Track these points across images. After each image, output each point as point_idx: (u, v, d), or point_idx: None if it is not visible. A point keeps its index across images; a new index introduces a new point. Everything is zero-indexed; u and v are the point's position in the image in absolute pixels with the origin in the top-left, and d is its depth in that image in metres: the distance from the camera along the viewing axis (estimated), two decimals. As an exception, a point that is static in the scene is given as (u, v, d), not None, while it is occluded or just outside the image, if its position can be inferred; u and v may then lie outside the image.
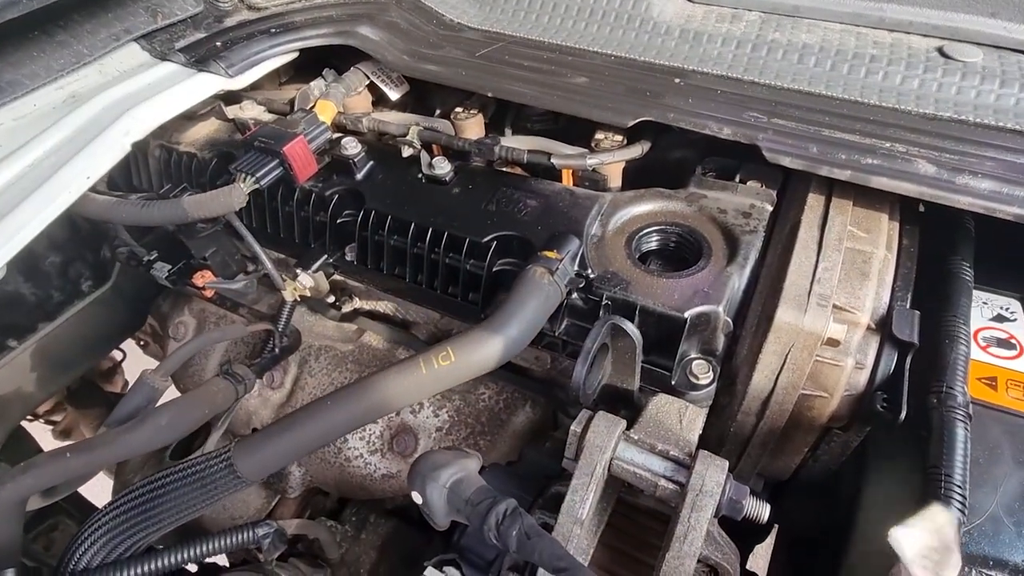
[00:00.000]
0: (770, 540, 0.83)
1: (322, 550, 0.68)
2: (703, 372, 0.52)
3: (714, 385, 0.53)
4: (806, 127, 0.53)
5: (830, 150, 0.51)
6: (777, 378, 0.49)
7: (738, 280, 0.52)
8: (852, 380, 0.49)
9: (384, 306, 0.77)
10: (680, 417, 0.48)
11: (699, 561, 0.46)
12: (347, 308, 0.80)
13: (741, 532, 0.66)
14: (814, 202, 0.56)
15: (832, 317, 0.47)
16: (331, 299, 0.80)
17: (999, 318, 0.54)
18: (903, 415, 0.46)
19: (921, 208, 0.56)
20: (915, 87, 0.56)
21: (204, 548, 0.52)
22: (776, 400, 0.50)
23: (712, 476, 0.41)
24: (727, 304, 0.51)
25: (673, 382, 0.53)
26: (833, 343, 0.47)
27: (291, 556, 0.69)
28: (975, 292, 0.57)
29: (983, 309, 0.55)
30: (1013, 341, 0.52)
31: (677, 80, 0.60)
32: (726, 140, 0.54)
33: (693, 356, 0.53)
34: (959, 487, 0.40)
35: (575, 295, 0.55)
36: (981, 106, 0.53)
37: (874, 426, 0.50)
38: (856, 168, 0.49)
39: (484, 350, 0.47)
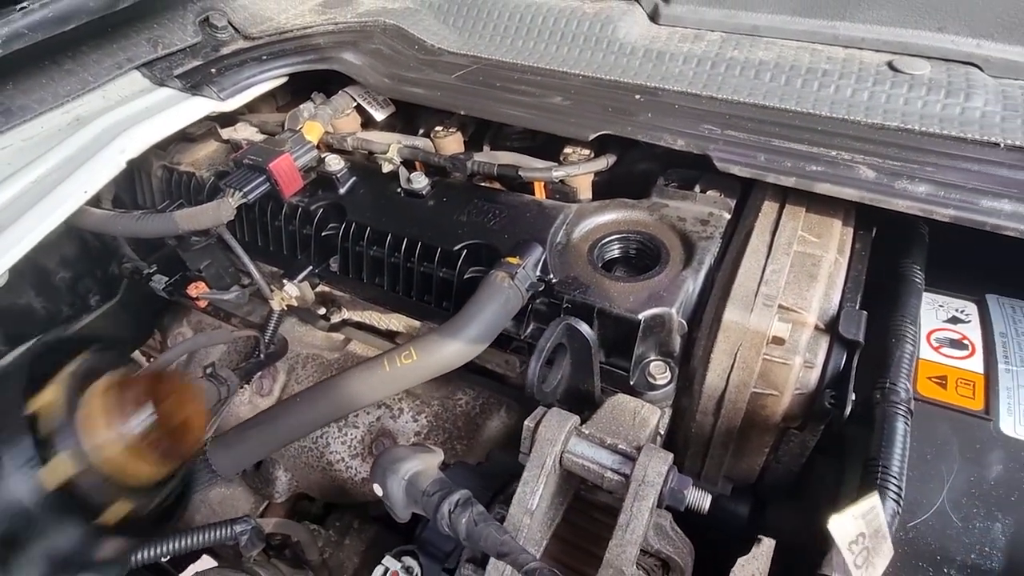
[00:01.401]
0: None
1: (303, 551, 0.69)
2: (660, 373, 0.54)
3: (672, 385, 0.54)
4: (756, 138, 0.56)
5: (777, 158, 0.53)
6: (729, 377, 0.51)
7: (693, 284, 0.54)
8: (802, 379, 0.51)
9: (370, 316, 0.80)
10: (635, 415, 0.50)
11: (651, 555, 0.47)
12: (335, 319, 0.83)
13: (723, 543, 0.67)
14: (768, 209, 0.58)
15: (777, 316, 0.49)
16: (321, 311, 0.83)
17: (953, 320, 0.55)
18: (847, 411, 0.47)
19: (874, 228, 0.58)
20: (865, 99, 0.58)
21: (182, 543, 0.54)
22: (729, 399, 0.52)
23: (654, 467, 0.42)
24: (681, 306, 0.53)
25: (632, 382, 0.54)
26: (779, 341, 0.48)
27: (273, 557, 0.71)
28: (932, 295, 0.58)
29: (938, 312, 0.56)
30: (965, 342, 0.53)
31: (638, 96, 0.63)
32: (686, 152, 0.57)
33: (652, 358, 0.55)
34: (895, 478, 0.41)
35: (539, 300, 0.58)
36: (927, 115, 0.56)
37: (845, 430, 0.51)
38: (800, 175, 0.52)
39: (444, 349, 0.50)
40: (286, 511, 0.84)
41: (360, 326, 0.81)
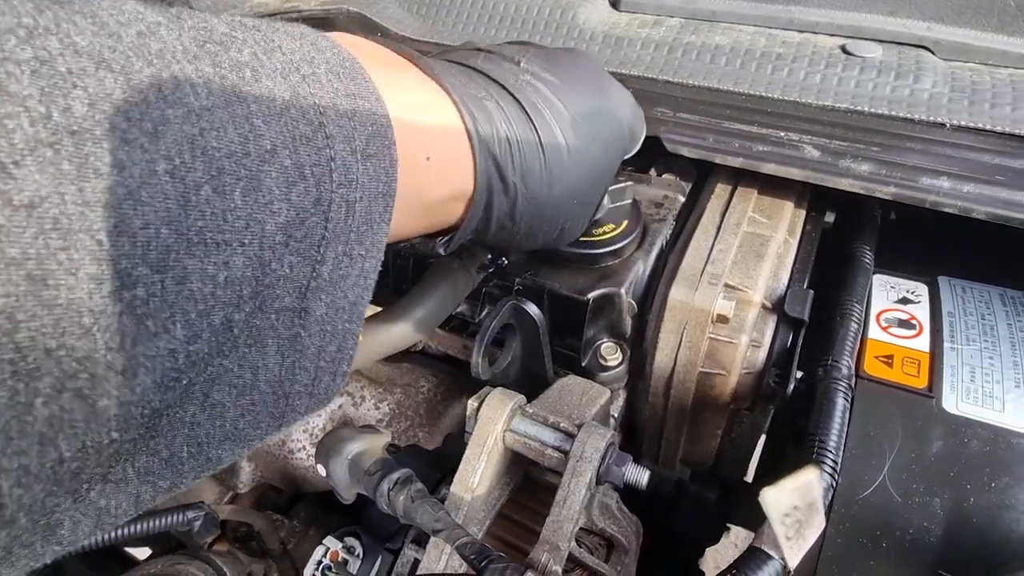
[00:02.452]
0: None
1: (263, 541, 0.69)
2: (612, 355, 0.54)
3: (623, 367, 0.54)
4: (708, 120, 0.56)
5: (726, 140, 0.53)
6: (676, 356, 0.51)
7: (643, 265, 0.54)
8: (750, 358, 0.51)
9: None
10: (583, 395, 0.50)
11: (595, 533, 0.47)
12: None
13: (696, 536, 0.67)
14: (721, 191, 0.58)
15: (723, 295, 0.49)
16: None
17: (904, 300, 0.56)
18: (790, 389, 0.47)
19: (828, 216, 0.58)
20: (817, 82, 0.58)
21: (131, 529, 0.54)
22: (678, 379, 0.52)
23: (592, 444, 0.42)
24: (631, 286, 0.53)
25: (584, 364, 0.54)
26: (723, 320, 0.48)
27: (236, 548, 0.71)
28: (885, 277, 0.59)
29: (890, 292, 0.57)
30: (914, 321, 0.53)
31: (594, 81, 0.63)
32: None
33: (604, 340, 0.55)
34: (831, 452, 0.41)
35: (493, 283, 0.57)
36: (877, 97, 0.56)
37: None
38: (748, 155, 0.52)
39: (391, 330, 0.50)
40: (252, 502, 0.83)
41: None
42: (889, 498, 0.44)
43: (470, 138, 0.33)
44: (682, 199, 0.60)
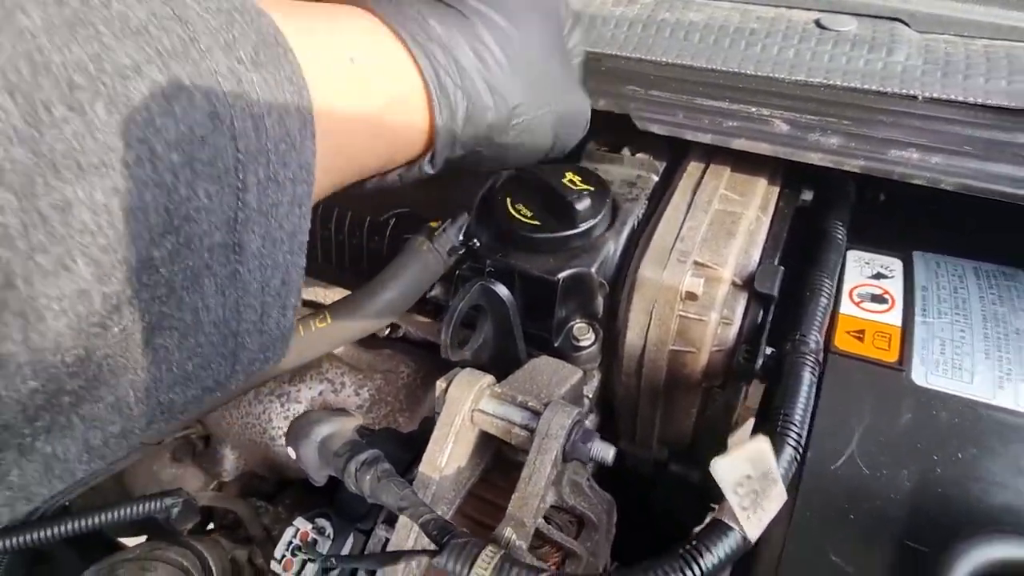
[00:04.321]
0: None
1: (245, 527, 0.69)
2: (584, 335, 0.54)
3: (596, 347, 0.54)
4: (679, 97, 0.55)
5: (697, 116, 0.53)
6: (647, 335, 0.51)
7: (614, 244, 0.54)
8: (720, 335, 0.51)
9: (315, 292, 0.80)
10: (552, 375, 0.50)
11: (566, 511, 0.47)
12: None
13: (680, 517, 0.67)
14: (693, 170, 0.58)
15: (692, 272, 0.48)
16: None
17: (877, 276, 0.55)
18: (759, 364, 0.47)
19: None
20: (790, 56, 0.58)
21: (109, 516, 0.54)
22: (649, 357, 0.52)
23: (558, 421, 0.42)
24: (601, 266, 0.53)
25: (556, 345, 0.54)
26: (692, 297, 0.48)
27: (220, 535, 0.71)
28: (860, 253, 0.58)
29: (864, 268, 0.56)
30: (886, 296, 0.53)
31: (566, 60, 0.62)
32: (607, 112, 0.57)
33: (576, 320, 0.55)
34: (796, 425, 0.41)
35: (465, 266, 0.57)
36: (850, 71, 0.55)
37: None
38: (717, 131, 0.51)
39: (360, 312, 0.50)
40: (238, 490, 0.84)
41: (305, 303, 0.81)
42: (857, 471, 0.44)
43: (394, 31, 0.31)
44: (655, 179, 0.59)
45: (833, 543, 0.42)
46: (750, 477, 0.36)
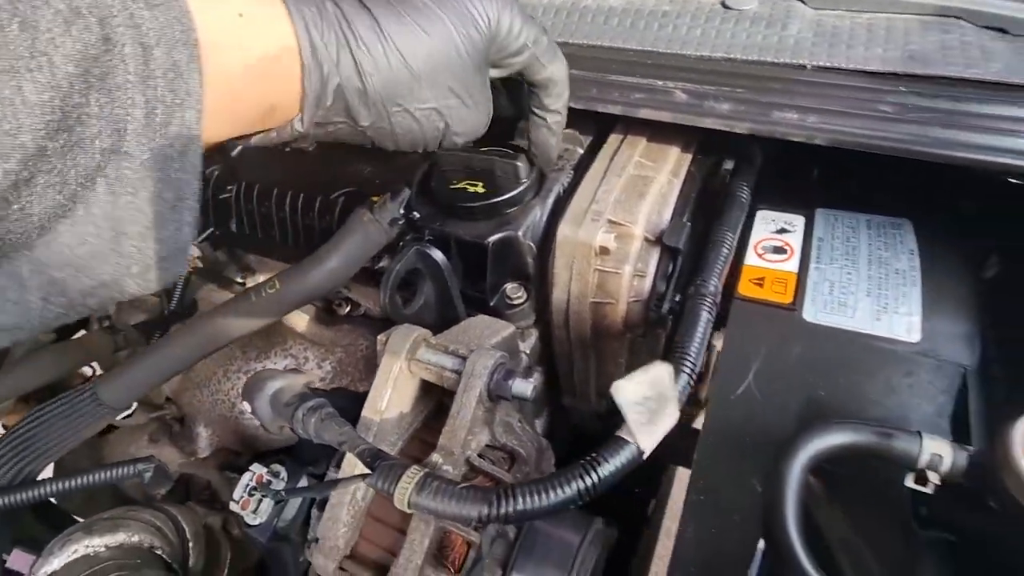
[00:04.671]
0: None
1: (219, 499, 0.74)
2: (516, 294, 0.59)
3: (528, 304, 0.60)
4: (595, 75, 0.61)
5: (608, 90, 0.58)
6: (569, 289, 0.56)
7: (540, 211, 0.59)
8: (636, 287, 0.56)
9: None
10: (484, 329, 0.55)
11: (499, 448, 0.52)
12: (250, 282, 0.87)
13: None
14: (613, 141, 0.63)
15: (604, 229, 0.54)
16: (239, 278, 0.88)
17: (781, 230, 0.61)
18: (665, 308, 0.53)
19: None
20: (697, 35, 0.63)
21: (83, 480, 0.58)
22: (574, 310, 0.57)
23: (482, 363, 0.47)
24: (528, 230, 0.58)
25: (492, 304, 0.59)
26: (605, 251, 0.54)
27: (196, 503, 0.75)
28: (768, 212, 0.64)
29: (770, 225, 0.62)
30: (786, 247, 0.59)
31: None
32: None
33: (510, 281, 0.60)
34: (691, 356, 0.47)
35: (408, 236, 0.62)
36: (749, 45, 0.61)
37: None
38: (625, 103, 0.57)
39: (306, 279, 0.54)
40: (215, 467, 0.88)
41: (270, 286, 0.85)
42: (753, 397, 0.50)
43: None
44: (580, 151, 0.64)
45: (733, 459, 0.48)
46: (648, 397, 0.42)
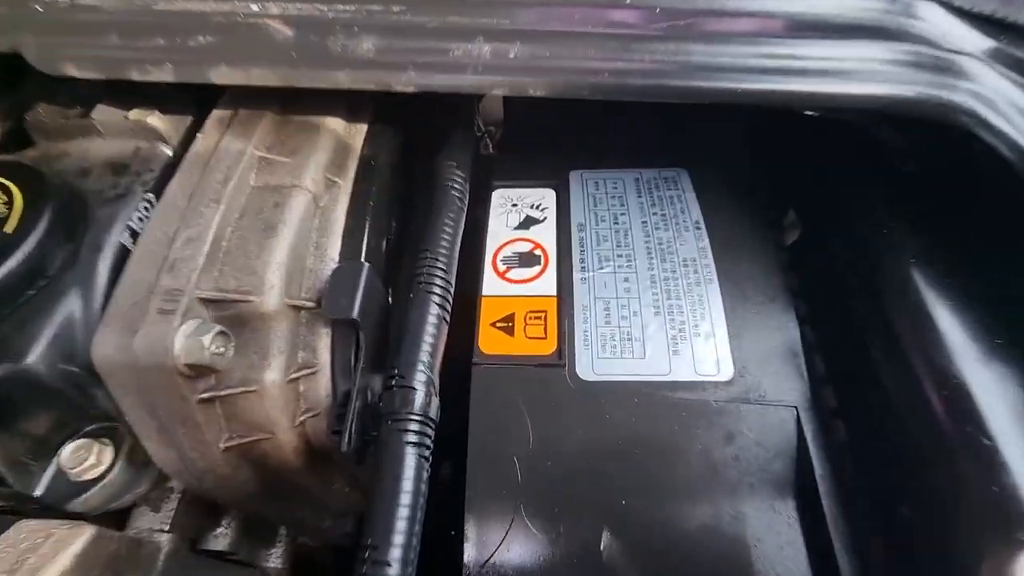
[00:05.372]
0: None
1: None
2: (83, 460, 0.30)
3: (116, 471, 0.31)
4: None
5: (137, 38, 0.29)
6: (177, 442, 0.29)
7: (80, 299, 0.30)
8: (305, 393, 0.31)
9: None
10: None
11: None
12: None
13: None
14: (215, 127, 0.35)
15: (185, 327, 0.27)
16: None
17: (527, 222, 0.40)
18: (345, 447, 0.29)
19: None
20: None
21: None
22: (209, 467, 0.30)
23: None
24: (55, 343, 0.29)
25: (37, 494, 0.30)
26: (203, 370, 0.27)
27: None
28: (507, 191, 0.43)
29: (511, 216, 0.41)
30: (537, 252, 0.39)
31: None
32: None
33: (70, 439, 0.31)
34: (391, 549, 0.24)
35: None
36: None
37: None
38: (181, 61, 0.28)
39: None
40: None
41: None
42: (526, 533, 0.30)
43: None
44: (167, 151, 0.35)
45: None
46: None
